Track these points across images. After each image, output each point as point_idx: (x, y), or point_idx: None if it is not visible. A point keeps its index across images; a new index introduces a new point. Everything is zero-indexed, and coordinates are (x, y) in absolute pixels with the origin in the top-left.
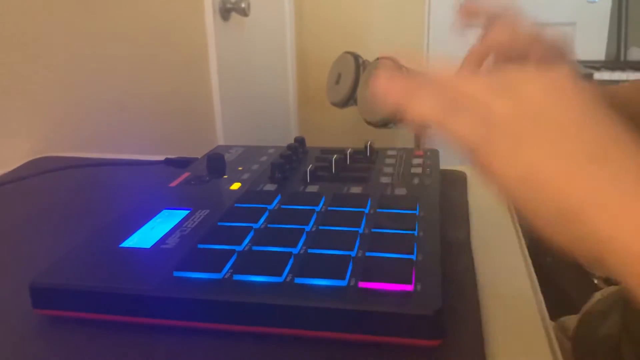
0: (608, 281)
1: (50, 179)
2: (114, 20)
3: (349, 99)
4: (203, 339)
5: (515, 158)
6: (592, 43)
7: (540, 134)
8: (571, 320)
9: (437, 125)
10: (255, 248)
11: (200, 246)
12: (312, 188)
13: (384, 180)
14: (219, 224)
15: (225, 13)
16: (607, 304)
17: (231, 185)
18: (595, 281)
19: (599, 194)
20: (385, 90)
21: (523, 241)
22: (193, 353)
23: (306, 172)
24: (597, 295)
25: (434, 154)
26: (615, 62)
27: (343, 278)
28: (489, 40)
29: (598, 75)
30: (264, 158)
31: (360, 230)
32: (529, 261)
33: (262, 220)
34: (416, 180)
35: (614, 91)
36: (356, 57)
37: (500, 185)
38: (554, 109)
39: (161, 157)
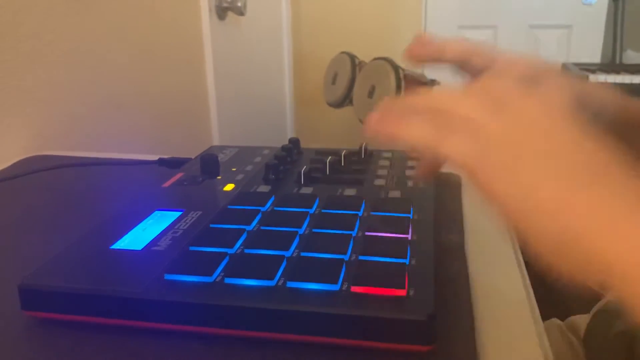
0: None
1: (42, 178)
2: (110, 19)
3: (345, 99)
4: (193, 342)
5: (513, 178)
6: (587, 46)
7: (536, 151)
8: (582, 319)
9: (433, 149)
10: (247, 251)
11: (192, 248)
12: (306, 190)
13: (379, 182)
14: (211, 226)
15: (221, 12)
16: (615, 304)
17: (224, 186)
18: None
19: (598, 217)
20: (378, 120)
21: (517, 245)
22: (183, 357)
23: (300, 173)
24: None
25: None
26: (610, 64)
27: (335, 282)
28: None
29: (593, 78)
30: (258, 159)
31: (354, 234)
32: (523, 266)
33: (254, 222)
34: (410, 183)
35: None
36: (352, 57)
37: (500, 208)
38: (549, 127)
39: (155, 157)
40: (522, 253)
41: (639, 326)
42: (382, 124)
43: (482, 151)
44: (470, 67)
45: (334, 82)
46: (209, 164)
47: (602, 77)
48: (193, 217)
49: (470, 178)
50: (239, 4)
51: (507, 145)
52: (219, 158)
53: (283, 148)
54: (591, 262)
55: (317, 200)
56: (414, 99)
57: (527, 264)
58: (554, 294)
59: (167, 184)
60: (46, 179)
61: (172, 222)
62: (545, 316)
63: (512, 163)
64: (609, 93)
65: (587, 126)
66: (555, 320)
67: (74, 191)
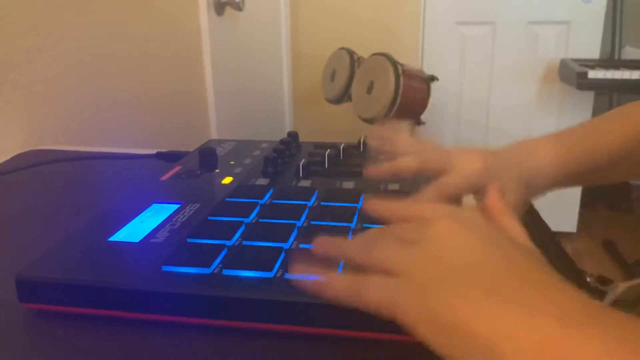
0: (601, 279)
1: (41, 171)
2: (108, 13)
3: (344, 95)
4: (191, 334)
5: (420, 305)
6: (586, 42)
7: (440, 280)
8: None
9: (355, 299)
10: (245, 243)
11: (190, 240)
12: (305, 183)
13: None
14: (209, 218)
15: (219, 7)
16: (633, 294)
17: (223, 179)
18: (588, 279)
19: (500, 326)
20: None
21: None
22: (181, 348)
23: (299, 166)
24: (622, 286)
25: None
26: (609, 60)
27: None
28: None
29: (592, 74)
30: (257, 152)
31: (353, 226)
32: None
33: (253, 214)
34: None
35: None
36: (351, 53)
37: (417, 334)
38: (453, 254)
39: (153, 151)
40: None
41: None
42: (305, 283)
43: (392, 291)
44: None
45: (332, 78)
46: (207, 158)
47: (600, 73)
48: (191, 210)
49: (393, 317)
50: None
51: (412, 279)
52: (217, 152)
53: (282, 142)
54: None
55: (316, 193)
56: (338, 243)
57: None
58: None
59: (165, 177)
60: (44, 173)
61: (170, 215)
62: None
63: (417, 294)
64: (545, 160)
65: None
66: None
67: (72, 185)
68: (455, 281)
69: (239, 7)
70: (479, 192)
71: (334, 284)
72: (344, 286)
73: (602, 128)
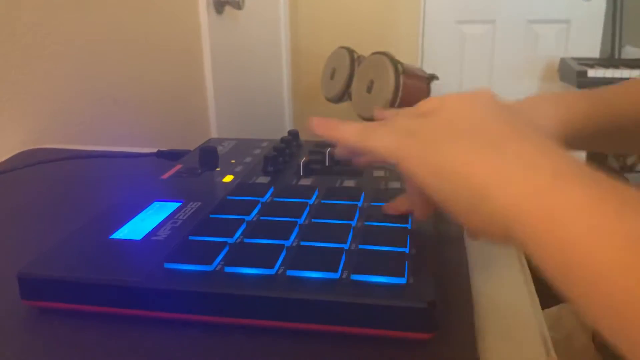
0: None
1: (41, 170)
2: (108, 12)
3: (344, 94)
4: (193, 331)
5: (427, 158)
6: (586, 41)
7: (447, 137)
8: None
9: (362, 143)
10: (247, 240)
11: (192, 238)
12: (306, 181)
13: (378, 173)
14: (211, 216)
15: (219, 6)
16: None
17: (223, 177)
18: None
19: (497, 173)
20: (319, 124)
21: None
22: (183, 345)
23: (299, 165)
24: None
25: None
26: (609, 59)
27: (335, 271)
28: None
29: (592, 73)
30: (257, 151)
31: (354, 224)
32: (522, 254)
33: (254, 212)
34: None
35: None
36: (351, 52)
37: (419, 183)
38: (461, 114)
39: (153, 150)
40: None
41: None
42: (322, 127)
43: (401, 140)
44: None
45: (332, 77)
46: (208, 156)
47: (600, 72)
48: (192, 208)
49: (397, 165)
50: None
51: (423, 134)
52: (218, 150)
53: (282, 140)
54: (496, 216)
55: (317, 191)
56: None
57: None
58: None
59: (165, 175)
60: (45, 171)
61: (171, 213)
62: (545, 305)
63: (425, 147)
64: (550, 111)
65: (506, 107)
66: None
67: (73, 183)
68: (459, 137)
69: (238, 6)
70: None
71: (345, 128)
72: (355, 131)
73: (629, 89)
